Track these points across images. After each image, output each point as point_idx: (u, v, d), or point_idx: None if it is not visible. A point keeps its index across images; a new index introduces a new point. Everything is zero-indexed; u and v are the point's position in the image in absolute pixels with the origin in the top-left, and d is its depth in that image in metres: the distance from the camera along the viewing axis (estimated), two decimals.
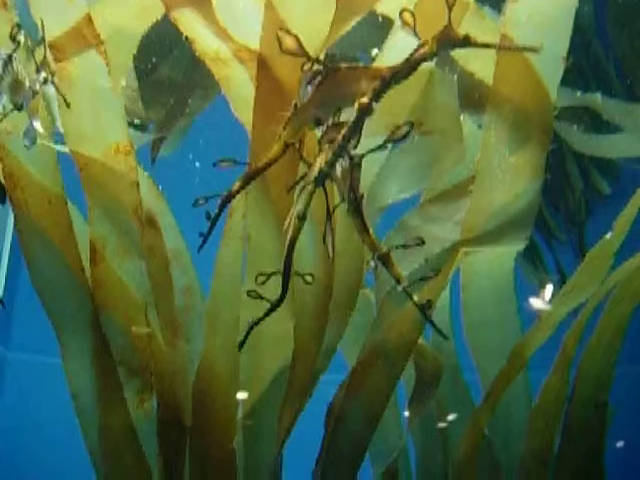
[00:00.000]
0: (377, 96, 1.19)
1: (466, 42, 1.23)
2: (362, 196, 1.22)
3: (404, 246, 1.28)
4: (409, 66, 1.22)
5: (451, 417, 1.81)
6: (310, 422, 1.61)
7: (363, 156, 1.17)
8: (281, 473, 1.68)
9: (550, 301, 1.64)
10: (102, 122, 1.44)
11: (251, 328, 1.25)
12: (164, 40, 1.77)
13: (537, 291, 2.00)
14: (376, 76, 1.19)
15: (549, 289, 1.65)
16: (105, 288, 1.56)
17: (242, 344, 1.27)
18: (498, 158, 1.40)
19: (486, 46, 1.26)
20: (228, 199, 1.17)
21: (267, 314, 1.23)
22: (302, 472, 1.67)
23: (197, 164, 2.23)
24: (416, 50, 1.19)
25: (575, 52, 2.10)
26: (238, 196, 1.48)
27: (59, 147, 1.48)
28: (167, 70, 1.88)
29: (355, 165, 1.20)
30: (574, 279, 1.62)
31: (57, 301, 1.58)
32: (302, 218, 1.14)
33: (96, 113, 1.43)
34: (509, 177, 1.41)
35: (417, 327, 1.50)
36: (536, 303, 1.64)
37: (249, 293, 1.21)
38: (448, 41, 1.23)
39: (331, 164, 1.10)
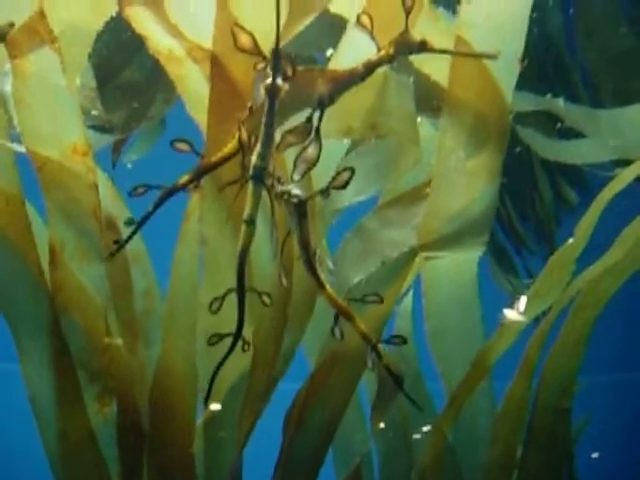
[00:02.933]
0: (332, 98, 1.19)
1: (423, 47, 1.24)
2: (315, 252, 1.22)
3: (362, 300, 1.28)
4: (365, 69, 1.22)
5: (425, 428, 1.80)
6: (269, 429, 1.60)
7: (307, 200, 1.17)
8: (241, 479, 1.67)
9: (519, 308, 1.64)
10: (58, 121, 1.42)
11: (217, 369, 1.24)
12: (129, 42, 1.76)
13: (504, 298, 2.00)
14: (332, 78, 1.19)
15: (522, 297, 1.65)
16: (65, 291, 1.54)
17: (207, 396, 1.26)
18: (454, 161, 1.40)
19: (443, 52, 1.27)
20: (171, 192, 1.15)
21: (231, 348, 1.21)
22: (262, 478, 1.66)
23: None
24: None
25: (544, 60, 2.12)
26: (194, 199, 1.48)
27: (16, 146, 1.46)
28: (131, 73, 1.87)
29: (302, 215, 1.20)
30: (536, 285, 1.61)
31: (16, 304, 1.56)
32: (250, 222, 1.13)
33: (52, 112, 1.41)
34: (466, 181, 1.41)
35: (375, 332, 1.49)
36: (508, 311, 1.64)
37: (210, 341, 1.20)
38: (405, 46, 1.24)
39: (263, 157, 1.08)
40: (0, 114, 1.42)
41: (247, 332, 1.52)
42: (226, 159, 1.15)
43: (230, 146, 1.14)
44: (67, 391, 1.57)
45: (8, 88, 1.41)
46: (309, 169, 1.12)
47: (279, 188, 1.15)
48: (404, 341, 1.30)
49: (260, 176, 1.09)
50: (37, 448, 1.59)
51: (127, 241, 1.20)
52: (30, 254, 1.53)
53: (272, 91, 1.07)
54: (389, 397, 1.72)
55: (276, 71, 1.07)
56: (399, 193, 1.50)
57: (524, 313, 1.62)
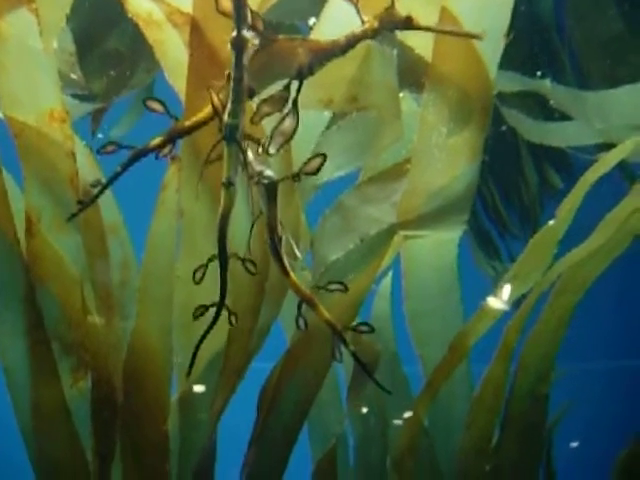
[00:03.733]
0: (311, 69, 1.17)
1: (408, 24, 1.22)
2: (280, 238, 1.20)
3: (326, 289, 1.27)
4: (347, 42, 1.20)
5: (406, 415, 1.78)
6: (244, 406, 1.58)
7: (278, 183, 1.15)
8: (215, 455, 1.65)
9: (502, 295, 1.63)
10: (35, 86, 1.40)
11: (200, 343, 1.22)
12: (109, 10, 1.73)
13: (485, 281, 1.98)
14: (314, 49, 1.17)
15: (505, 284, 1.63)
16: (40, 261, 1.52)
17: (191, 367, 1.24)
18: (436, 138, 1.38)
19: (428, 29, 1.25)
20: (141, 154, 1.12)
21: (215, 319, 1.19)
22: (236, 455, 1.65)
23: None
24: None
25: (532, 41, 2.10)
26: (172, 170, 1.46)
27: None
28: (112, 41, 1.84)
29: (272, 198, 1.17)
30: (517, 267, 1.60)
31: None
32: (229, 185, 1.10)
33: (29, 75, 1.38)
34: (447, 158, 1.39)
35: (352, 310, 1.48)
36: (491, 299, 1.63)
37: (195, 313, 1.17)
38: (390, 21, 1.21)
39: (234, 114, 1.05)
40: None
41: None
42: (200, 124, 1.12)
43: (205, 111, 1.11)
44: (41, 363, 1.55)
45: None
46: (286, 142, 1.10)
47: (254, 168, 1.13)
48: (372, 329, 1.28)
49: (233, 135, 1.06)
50: (10, 421, 1.57)
51: (92, 202, 1.16)
52: (6, 223, 1.51)
53: (237, 43, 1.04)
54: (365, 378, 1.70)
55: (239, 21, 1.04)
56: (379, 169, 1.48)
57: (507, 301, 1.61)
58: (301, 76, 1.11)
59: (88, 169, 1.55)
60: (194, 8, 1.29)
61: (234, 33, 1.04)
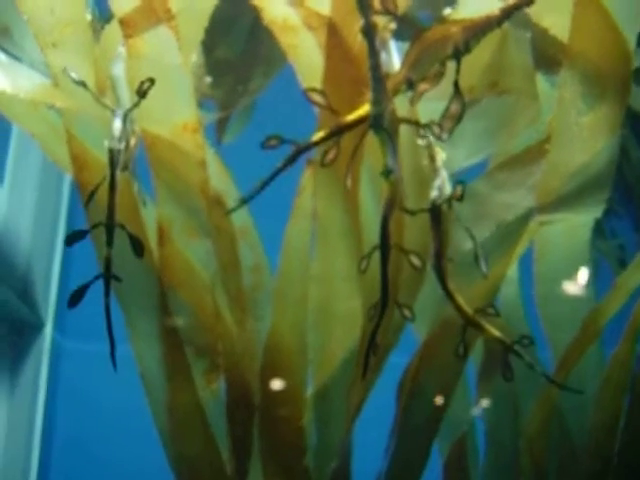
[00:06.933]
0: (468, 45, 1.15)
1: None
2: (446, 263, 1.20)
3: (485, 312, 1.26)
4: (502, 14, 1.17)
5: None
6: (381, 402, 1.60)
7: (441, 205, 1.14)
8: (352, 451, 1.67)
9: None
10: (171, 100, 1.42)
11: (372, 338, 1.20)
12: (222, 18, 1.75)
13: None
14: (468, 26, 1.15)
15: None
16: (172, 268, 1.55)
17: (365, 370, 1.25)
18: (575, 115, 1.37)
19: None
20: (304, 149, 1.12)
21: (382, 312, 1.18)
22: (372, 450, 1.66)
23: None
24: None
25: None
26: (307, 174, 1.48)
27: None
28: (226, 49, 1.87)
29: (436, 221, 1.16)
30: None
31: (125, 282, 1.57)
32: (389, 172, 1.09)
33: (165, 90, 1.41)
34: (587, 134, 1.37)
35: (488, 298, 1.47)
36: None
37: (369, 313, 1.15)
38: None
39: (377, 102, 1.05)
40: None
41: (357, 304, 1.53)
42: (364, 119, 1.11)
43: (365, 109, 1.11)
44: (176, 367, 1.58)
45: (117, 71, 1.42)
46: (456, 124, 1.10)
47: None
48: (532, 342, 1.30)
49: (379, 123, 1.05)
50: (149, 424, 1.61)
51: (252, 197, 1.16)
52: (138, 233, 1.53)
53: (367, 30, 1.03)
54: (496, 365, 1.70)
55: (363, 8, 1.03)
56: (510, 155, 1.47)
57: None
58: (458, 54, 1.09)
59: (218, 176, 1.58)
60: (332, 9, 1.31)
61: (362, 22, 1.04)
